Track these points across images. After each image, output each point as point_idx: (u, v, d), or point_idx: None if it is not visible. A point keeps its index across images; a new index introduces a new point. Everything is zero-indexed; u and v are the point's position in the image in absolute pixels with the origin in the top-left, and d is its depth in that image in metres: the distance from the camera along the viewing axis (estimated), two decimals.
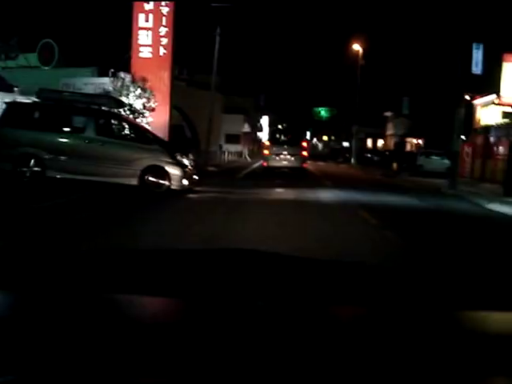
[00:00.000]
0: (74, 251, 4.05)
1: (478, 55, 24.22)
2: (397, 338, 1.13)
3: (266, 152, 24.56)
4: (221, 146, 40.69)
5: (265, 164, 24.52)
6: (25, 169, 13.51)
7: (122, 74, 19.79)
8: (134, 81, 19.73)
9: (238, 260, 1.66)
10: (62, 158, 13.55)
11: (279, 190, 16.92)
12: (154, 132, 21.46)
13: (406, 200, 16.84)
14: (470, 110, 29.91)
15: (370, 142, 71.68)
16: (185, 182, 13.70)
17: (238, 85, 62.72)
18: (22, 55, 31.75)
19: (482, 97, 29.88)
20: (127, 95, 19.26)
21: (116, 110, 16.13)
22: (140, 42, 21.85)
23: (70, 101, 14.94)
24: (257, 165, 34.01)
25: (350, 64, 48.67)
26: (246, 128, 46.85)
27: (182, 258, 1.82)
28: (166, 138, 21.29)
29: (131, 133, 14.55)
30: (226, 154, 37.92)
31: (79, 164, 13.36)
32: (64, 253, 3.14)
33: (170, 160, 13.65)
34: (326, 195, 16.27)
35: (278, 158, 23.74)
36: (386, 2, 39.30)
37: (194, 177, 14.51)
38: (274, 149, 24.02)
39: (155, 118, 21.07)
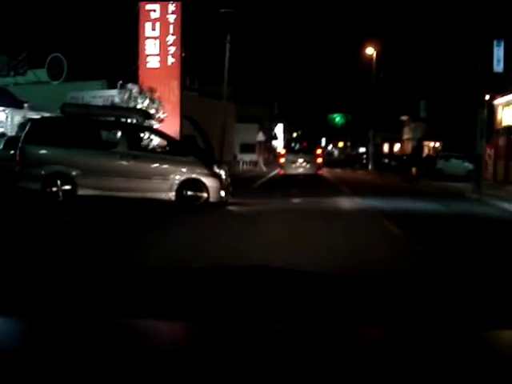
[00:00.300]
0: (103, 269, 4.31)
1: (499, 52, 23.13)
2: (422, 362, 1.06)
3: (282, 160, 24.64)
4: (235, 156, 39.92)
5: (281, 172, 24.47)
6: (55, 188, 12.78)
7: (129, 85, 19.07)
8: (141, 91, 18.99)
9: (259, 279, 1.64)
10: (94, 174, 12.81)
11: (297, 200, 16.06)
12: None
13: (429, 207, 15.82)
14: (491, 110, 28.81)
15: (386, 147, 70.52)
16: (222, 193, 13.21)
17: (252, 94, 62.06)
18: (31, 71, 31.35)
19: (504, 96, 28.69)
20: (135, 106, 18.55)
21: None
22: (147, 51, 21.15)
23: (97, 115, 14.44)
24: (273, 174, 33.17)
25: (365, 68, 47.74)
26: (261, 137, 46.16)
27: (201, 277, 1.80)
28: None
29: (165, 145, 14.12)
30: (241, 163, 37.11)
31: (112, 180, 12.73)
32: (95, 271, 3.22)
33: (208, 172, 13.16)
34: (346, 204, 15.33)
35: (293, 165, 23.96)
36: (400, 2, 38.41)
37: (229, 188, 13.98)
38: (290, 157, 24.23)
39: (165, 129, 20.28)
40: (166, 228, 9.97)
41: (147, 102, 18.74)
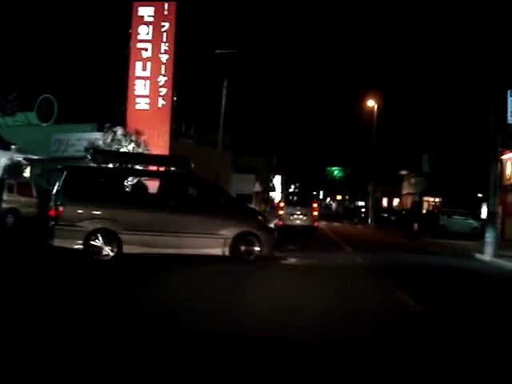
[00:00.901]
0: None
1: None
2: None
3: (281, 212, 25.80)
4: None
5: (280, 223, 25.07)
6: (99, 246, 11.35)
7: (113, 128, 17.35)
8: (126, 134, 17.26)
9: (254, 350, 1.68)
10: (141, 230, 11.55)
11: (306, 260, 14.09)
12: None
13: (441, 268, 13.87)
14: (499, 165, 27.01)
15: (385, 201, 68.84)
16: (273, 246, 12.95)
17: (250, 144, 60.76)
18: (21, 113, 29.83)
19: None
20: (118, 150, 16.77)
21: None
22: (137, 92, 19.55)
23: (132, 163, 13.27)
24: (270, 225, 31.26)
25: (365, 121, 46.49)
26: (258, 188, 44.38)
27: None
28: None
29: (214, 197, 13.20)
30: None
31: (161, 236, 11.64)
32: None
33: (261, 225, 12.90)
34: (349, 264, 13.36)
35: (291, 217, 25.09)
36: (403, 53, 37.32)
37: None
38: (289, 209, 25.41)
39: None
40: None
41: (132, 145, 16.97)
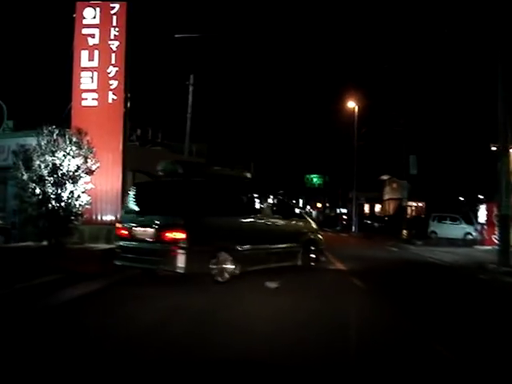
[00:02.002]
0: None
1: None
2: None
3: None
4: None
5: None
6: (216, 267, 10.42)
7: (50, 128, 13.88)
8: (65, 134, 13.83)
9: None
10: (247, 247, 11.12)
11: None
12: (98, 202, 15.57)
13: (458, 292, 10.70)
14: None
15: (367, 208, 65.94)
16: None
17: (226, 153, 57.39)
18: None
19: None
20: (53, 153, 13.32)
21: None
22: (83, 86, 16.09)
23: (218, 175, 12.11)
24: None
25: (344, 125, 43.45)
26: None
27: None
28: (119, 207, 15.32)
29: (286, 206, 13.32)
30: None
31: (263, 251, 11.52)
32: None
33: (316, 231, 13.48)
34: (345, 288, 10.13)
35: None
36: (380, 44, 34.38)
37: None
38: None
39: (100, 183, 15.09)
40: None
41: (73, 147, 13.52)
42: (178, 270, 9.91)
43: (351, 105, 39.70)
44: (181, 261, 9.82)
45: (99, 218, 15.91)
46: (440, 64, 31.12)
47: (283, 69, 73.19)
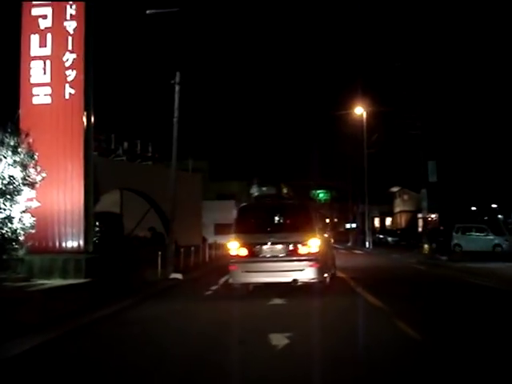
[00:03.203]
0: None
1: None
2: None
3: None
4: (204, 239, 30.81)
5: None
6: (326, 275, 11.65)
7: None
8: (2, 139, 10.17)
9: None
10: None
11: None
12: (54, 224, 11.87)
13: None
14: None
15: (377, 221, 61.95)
16: None
17: (230, 170, 53.84)
18: None
19: None
20: None
21: None
22: (33, 79, 12.53)
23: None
24: None
25: (352, 135, 39.78)
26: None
27: None
28: (82, 230, 11.64)
29: None
30: (212, 247, 27.95)
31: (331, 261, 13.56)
32: None
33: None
34: (390, 345, 6.26)
35: None
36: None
37: None
38: None
39: (55, 202, 11.43)
40: None
41: (8, 152, 9.89)
42: (313, 280, 10.75)
43: (359, 111, 36.02)
44: (315, 272, 10.71)
45: (57, 244, 12.21)
46: (461, 60, 27.55)
47: (285, 77, 69.76)
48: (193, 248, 20.34)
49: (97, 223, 13.54)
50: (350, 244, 45.81)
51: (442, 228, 39.26)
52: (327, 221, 28.66)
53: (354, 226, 56.74)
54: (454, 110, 32.69)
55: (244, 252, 11.11)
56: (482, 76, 29.29)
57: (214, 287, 13.11)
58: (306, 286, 10.98)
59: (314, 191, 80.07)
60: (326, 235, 13.18)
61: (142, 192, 26.41)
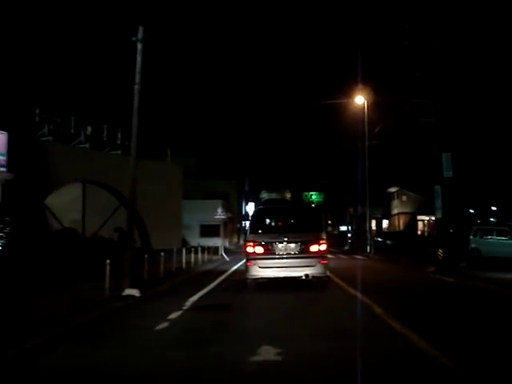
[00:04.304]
0: None
1: None
2: None
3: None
4: (185, 241, 26.30)
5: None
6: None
7: None
8: None
9: None
10: None
11: None
12: None
13: None
14: None
15: (373, 224, 57.63)
16: None
17: (217, 168, 49.29)
18: None
19: None
20: None
21: None
22: None
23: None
24: (235, 268, 19.92)
25: (349, 129, 35.52)
26: (222, 214, 32.86)
27: None
28: None
29: None
30: (193, 252, 23.45)
31: None
32: None
33: None
34: None
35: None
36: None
37: None
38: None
39: None
40: None
41: None
42: (323, 275, 11.80)
43: (359, 100, 31.73)
44: (324, 267, 11.79)
45: None
46: (482, 36, 23.37)
47: (276, 71, 65.24)
48: (162, 253, 15.83)
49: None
50: (347, 248, 41.56)
51: (451, 231, 34.90)
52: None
53: (349, 228, 52.50)
54: (473, 95, 28.47)
55: (260, 250, 11.75)
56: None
57: (175, 314, 8.68)
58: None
59: (306, 193, 76.07)
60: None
61: (110, 186, 21.93)
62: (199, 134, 54.80)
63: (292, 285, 11.93)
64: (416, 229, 51.64)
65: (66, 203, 20.65)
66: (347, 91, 32.12)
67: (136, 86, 13.46)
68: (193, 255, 21.48)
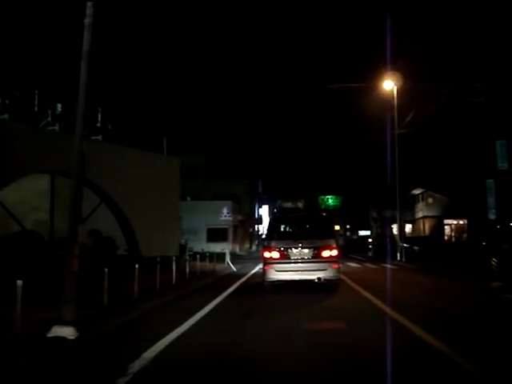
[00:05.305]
0: None
1: None
2: None
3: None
4: (183, 246, 21.64)
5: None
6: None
7: None
8: None
9: None
10: None
11: None
12: None
13: None
14: None
15: (395, 228, 52.56)
16: None
17: (228, 167, 44.67)
18: None
19: None
20: None
21: None
22: None
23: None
24: (241, 282, 15.45)
25: (372, 123, 30.82)
26: (228, 216, 28.32)
27: None
28: None
29: None
30: (194, 258, 18.87)
31: None
32: None
33: None
34: None
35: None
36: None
37: None
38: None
39: None
40: None
41: None
42: (334, 278, 12.21)
43: (388, 85, 26.97)
44: (336, 271, 12.20)
45: None
46: None
47: (291, 60, 60.30)
48: (136, 265, 11.16)
49: None
50: (370, 254, 36.74)
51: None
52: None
53: (368, 233, 47.56)
54: None
55: (276, 255, 12.25)
56: None
57: None
58: None
59: (322, 197, 71.21)
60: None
61: (87, 179, 17.42)
62: (208, 130, 50.11)
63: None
64: (443, 233, 46.64)
65: (28, 200, 16.23)
66: (370, 74, 27.41)
67: (83, 62, 8.79)
68: (193, 263, 16.92)
